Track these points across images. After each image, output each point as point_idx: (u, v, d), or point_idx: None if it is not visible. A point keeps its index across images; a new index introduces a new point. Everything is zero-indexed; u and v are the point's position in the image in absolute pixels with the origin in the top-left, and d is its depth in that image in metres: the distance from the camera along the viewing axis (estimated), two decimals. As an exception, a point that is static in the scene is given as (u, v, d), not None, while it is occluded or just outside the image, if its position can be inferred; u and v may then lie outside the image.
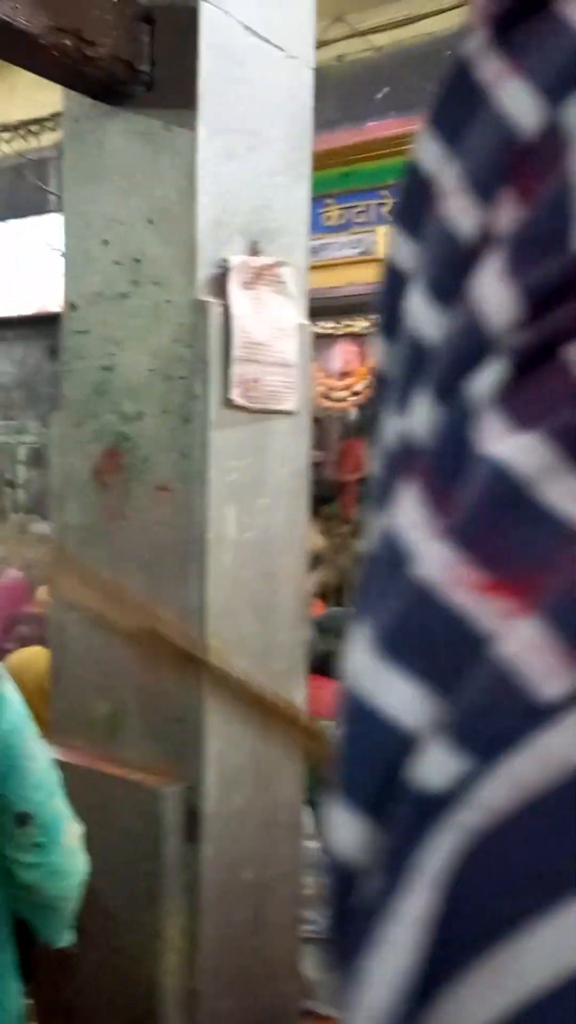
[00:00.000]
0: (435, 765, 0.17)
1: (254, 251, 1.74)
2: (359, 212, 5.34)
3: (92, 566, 1.74)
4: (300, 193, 1.86)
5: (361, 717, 0.19)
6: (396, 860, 0.17)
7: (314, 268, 2.04)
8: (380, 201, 5.34)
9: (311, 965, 1.91)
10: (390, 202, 5.33)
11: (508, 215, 0.21)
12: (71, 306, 1.82)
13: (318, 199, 2.45)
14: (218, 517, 1.67)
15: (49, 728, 1.72)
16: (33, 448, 7.41)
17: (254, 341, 1.71)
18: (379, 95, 5.34)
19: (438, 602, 0.18)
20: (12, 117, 7.50)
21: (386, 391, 0.25)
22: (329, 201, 5.09)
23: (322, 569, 4.23)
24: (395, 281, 0.25)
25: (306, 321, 1.84)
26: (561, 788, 0.16)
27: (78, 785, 1.39)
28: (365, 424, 6.35)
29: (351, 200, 5.29)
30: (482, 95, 0.23)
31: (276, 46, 1.77)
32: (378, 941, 0.18)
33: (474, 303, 0.21)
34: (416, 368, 0.23)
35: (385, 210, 5.32)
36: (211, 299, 1.66)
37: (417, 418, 0.22)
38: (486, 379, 0.20)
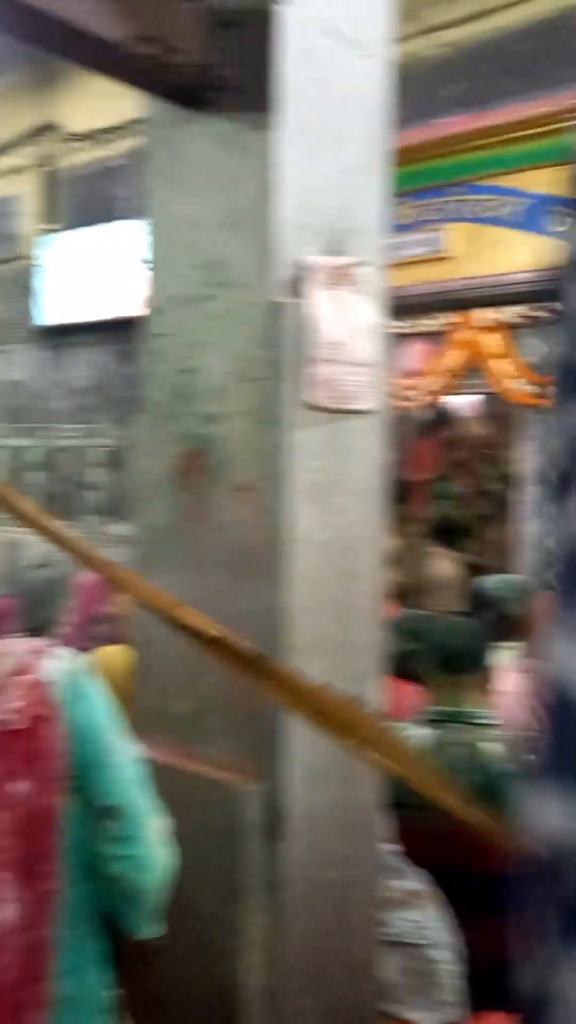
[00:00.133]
0: None
1: (333, 251, 1.74)
2: (430, 210, 5.29)
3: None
4: (379, 192, 1.86)
5: (572, 703, 0.19)
6: None
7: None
8: (451, 199, 5.28)
9: (389, 968, 1.90)
10: (462, 200, 5.27)
11: None
12: (153, 310, 1.85)
13: (391, 198, 2.42)
14: (298, 517, 1.67)
15: (131, 725, 1.75)
16: (107, 451, 7.55)
17: (333, 341, 1.71)
18: (450, 91, 5.29)
19: None
20: (86, 126, 7.66)
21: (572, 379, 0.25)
22: (400, 199, 5.06)
23: (395, 570, 4.20)
24: None
25: (385, 320, 1.84)
26: None
27: (161, 781, 1.41)
28: (436, 424, 6.29)
29: (422, 198, 5.25)
30: None
31: (355, 44, 1.77)
32: None
33: None
34: None
35: (455, 208, 5.27)
36: (290, 300, 1.67)
37: None
38: None
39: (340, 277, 1.74)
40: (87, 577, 4.42)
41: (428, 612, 3.37)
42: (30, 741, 1.13)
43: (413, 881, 1.88)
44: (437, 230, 5.34)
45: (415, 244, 5.23)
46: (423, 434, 5.80)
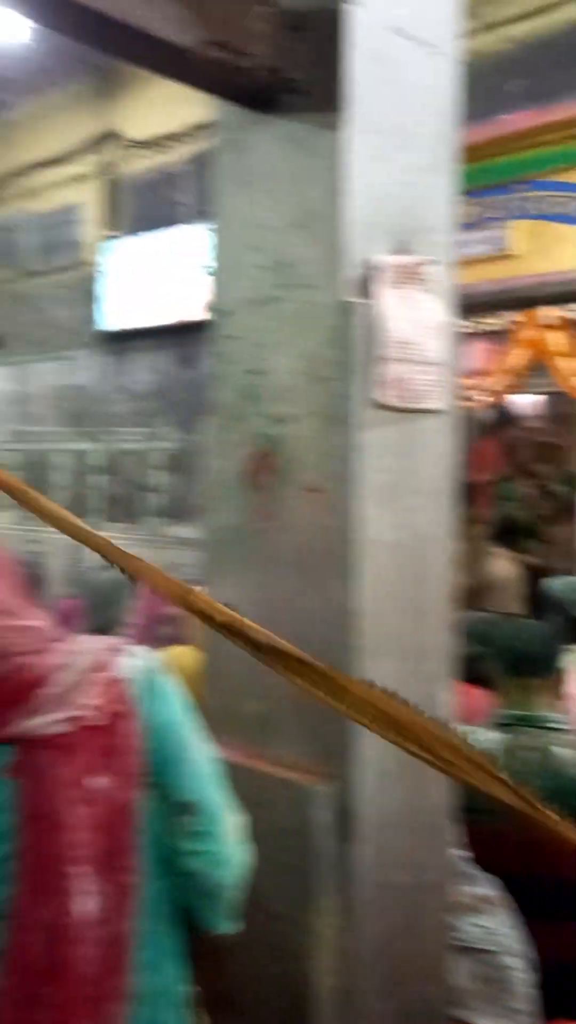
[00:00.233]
0: None
1: (401, 250, 1.74)
2: (494, 208, 5.23)
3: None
4: (447, 190, 1.84)
5: None
6: None
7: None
8: (515, 196, 5.22)
9: (460, 974, 1.88)
10: (526, 197, 5.20)
11: None
12: (221, 312, 1.86)
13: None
14: (368, 518, 1.67)
15: (201, 725, 1.76)
16: (169, 454, 7.63)
17: (402, 340, 1.70)
18: (513, 87, 5.23)
19: None
20: (146, 133, 7.76)
21: None
22: (463, 197, 5.01)
23: (459, 572, 4.16)
24: None
25: (453, 318, 1.82)
26: None
27: (232, 781, 1.41)
28: (499, 424, 6.22)
29: (485, 196, 5.19)
30: None
31: (423, 42, 1.76)
32: None
33: None
34: None
35: (518, 205, 5.20)
36: (359, 300, 1.66)
37: None
38: None
39: (409, 276, 1.73)
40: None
41: (494, 614, 3.33)
42: (109, 737, 1.15)
43: (485, 887, 1.86)
44: (501, 228, 5.28)
45: (478, 242, 5.18)
46: (486, 434, 5.74)
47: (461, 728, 1.89)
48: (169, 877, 1.24)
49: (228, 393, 1.85)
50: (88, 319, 8.27)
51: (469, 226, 5.08)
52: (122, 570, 1.10)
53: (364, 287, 1.68)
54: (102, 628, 2.63)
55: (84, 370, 8.53)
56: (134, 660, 1.23)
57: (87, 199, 8.40)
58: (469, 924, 1.93)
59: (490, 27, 5.19)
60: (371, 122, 1.68)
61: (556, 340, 5.21)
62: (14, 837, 1.12)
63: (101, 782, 1.14)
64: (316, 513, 1.71)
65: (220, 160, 1.86)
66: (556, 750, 2.06)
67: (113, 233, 8.17)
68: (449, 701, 1.81)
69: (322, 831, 1.61)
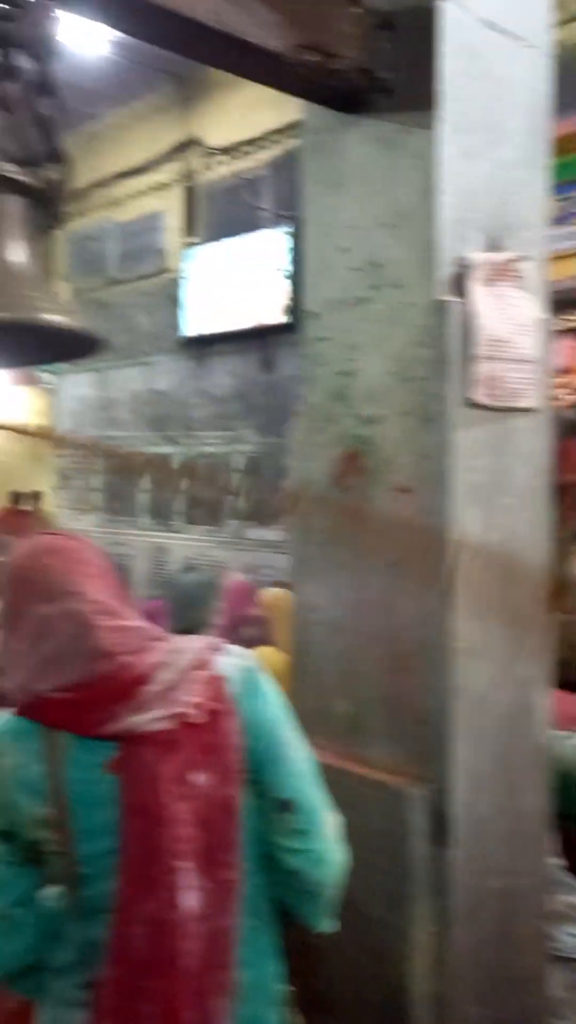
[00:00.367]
0: None
1: (494, 247, 1.71)
2: (578, 203, 5.11)
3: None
4: (539, 185, 1.81)
5: None
6: None
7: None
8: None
9: (558, 983, 1.84)
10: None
11: None
12: (311, 314, 1.87)
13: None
14: (461, 518, 1.65)
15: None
16: (250, 457, 7.69)
17: (495, 338, 1.68)
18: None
19: None
20: (226, 140, 7.84)
21: None
22: (552, 192, 4.91)
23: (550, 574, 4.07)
24: None
25: (546, 315, 1.79)
26: None
27: (324, 782, 1.41)
28: (585, 423, 6.06)
29: (570, 190, 5.08)
30: None
31: (515, 37, 1.74)
32: None
33: None
34: None
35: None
36: (451, 298, 1.65)
37: None
38: None
39: (501, 273, 1.71)
40: (235, 580, 4.51)
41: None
42: (209, 734, 1.16)
43: (581, 895, 1.82)
44: (588, 223, 5.15)
45: (565, 238, 5.06)
46: (572, 434, 5.61)
47: (556, 734, 1.85)
48: (267, 874, 1.24)
49: (318, 394, 1.85)
50: (170, 325, 8.39)
51: (558, 220, 4.97)
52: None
53: (456, 285, 1.66)
54: (186, 629, 2.66)
55: (166, 375, 8.65)
56: (233, 658, 1.24)
57: (169, 207, 8.53)
58: (565, 934, 1.89)
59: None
60: (462, 119, 1.66)
61: None
62: (117, 832, 1.14)
63: (202, 778, 1.15)
64: (407, 513, 1.69)
65: (308, 163, 1.87)
66: None
67: (194, 239, 8.27)
68: (545, 705, 1.77)
69: (417, 835, 1.60)
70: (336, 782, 1.34)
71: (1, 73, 1.02)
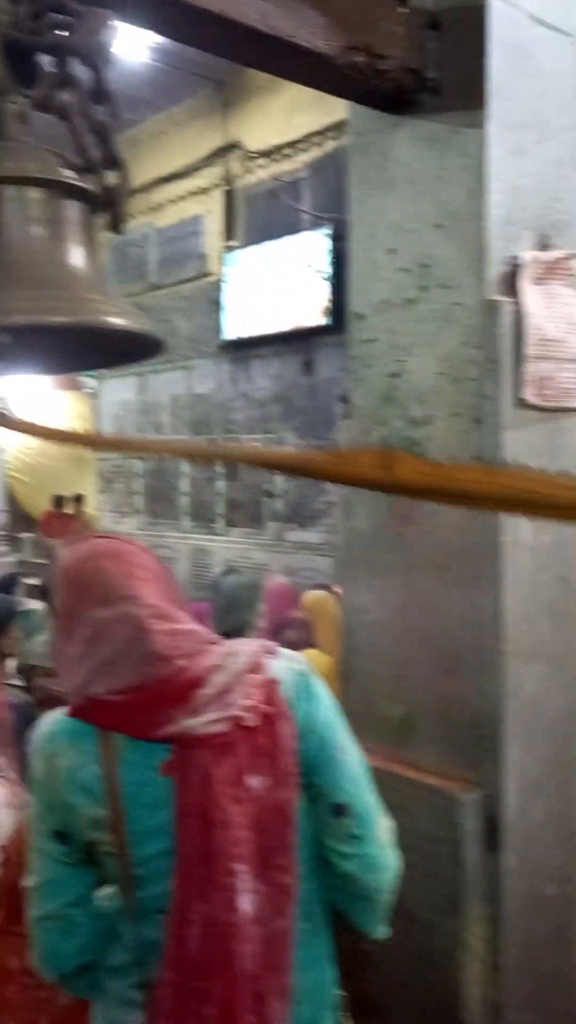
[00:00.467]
0: None
1: (544, 245, 1.70)
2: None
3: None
4: (589, 181, 1.79)
5: None
6: None
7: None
8: None
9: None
10: None
11: None
12: (358, 316, 1.86)
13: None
14: (513, 520, 1.63)
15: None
16: (290, 459, 7.68)
17: (547, 338, 1.66)
18: None
19: None
20: (267, 143, 7.86)
21: None
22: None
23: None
24: None
25: (598, 314, 1.76)
26: None
27: (375, 785, 1.40)
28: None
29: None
30: None
31: (564, 32, 1.72)
32: None
33: None
34: None
35: None
36: (502, 298, 1.63)
37: None
38: None
39: (552, 271, 1.69)
40: (277, 583, 4.51)
41: None
42: (264, 737, 1.16)
43: None
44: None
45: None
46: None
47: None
48: (320, 878, 1.24)
49: (366, 396, 1.85)
50: (210, 328, 8.43)
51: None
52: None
53: (506, 285, 1.64)
54: (230, 632, 2.66)
55: (206, 378, 8.70)
56: (286, 662, 1.24)
57: (209, 211, 8.58)
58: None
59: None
60: (511, 116, 1.65)
61: None
62: (172, 834, 1.14)
63: (257, 782, 1.15)
64: (458, 516, 1.68)
65: (354, 164, 1.86)
66: None
67: (234, 243, 8.31)
68: (597, 709, 1.75)
69: (469, 840, 1.59)
70: (386, 786, 1.33)
71: (58, 82, 1.04)
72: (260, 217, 8.12)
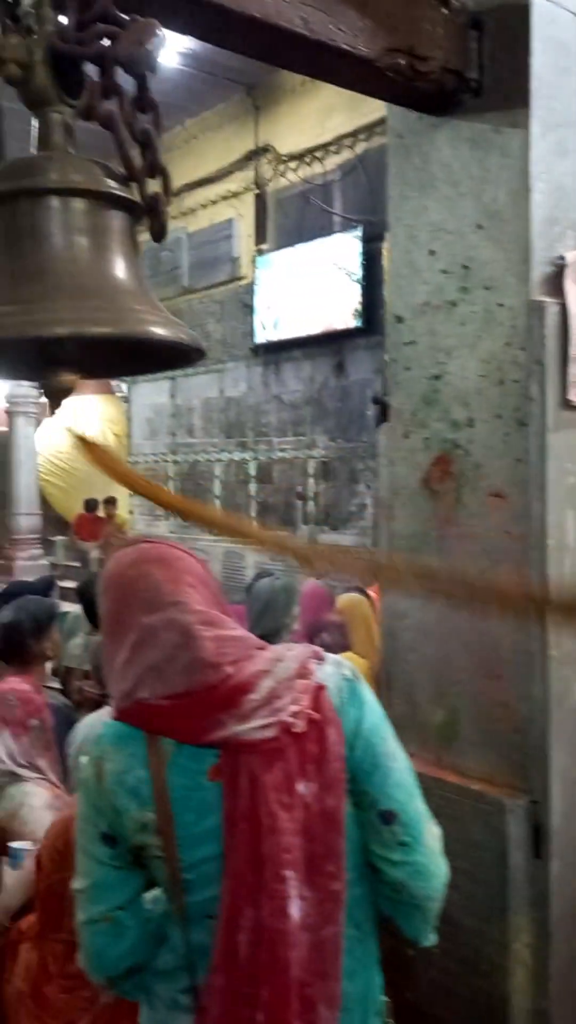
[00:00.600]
0: None
1: (588, 245, 1.68)
2: None
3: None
4: None
5: None
6: None
7: None
8: None
9: None
10: None
11: None
12: (397, 318, 1.85)
13: None
14: (558, 523, 1.61)
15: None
16: (322, 462, 7.69)
17: (591, 339, 1.64)
18: None
19: None
20: (299, 146, 7.87)
21: None
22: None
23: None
24: None
25: None
26: None
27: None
28: None
29: None
30: None
31: (607, 29, 1.69)
32: None
33: None
34: None
35: None
36: (546, 299, 1.62)
37: None
38: None
39: (596, 272, 1.67)
40: (309, 586, 4.50)
41: None
42: (312, 743, 1.15)
43: None
44: None
45: None
46: None
47: None
48: (367, 884, 1.23)
49: (406, 398, 1.84)
50: (242, 331, 8.46)
51: None
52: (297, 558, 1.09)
53: (551, 285, 1.63)
54: (266, 635, 2.66)
55: (238, 381, 8.72)
56: (333, 667, 1.24)
57: (240, 214, 8.60)
58: None
59: None
60: (555, 115, 1.63)
61: None
62: (221, 839, 1.14)
63: (306, 788, 1.14)
64: (501, 519, 1.67)
65: (394, 166, 1.85)
66: None
67: (265, 246, 8.32)
68: None
69: (515, 847, 1.57)
70: (430, 791, 1.33)
71: (103, 91, 1.04)
72: (291, 220, 8.14)
